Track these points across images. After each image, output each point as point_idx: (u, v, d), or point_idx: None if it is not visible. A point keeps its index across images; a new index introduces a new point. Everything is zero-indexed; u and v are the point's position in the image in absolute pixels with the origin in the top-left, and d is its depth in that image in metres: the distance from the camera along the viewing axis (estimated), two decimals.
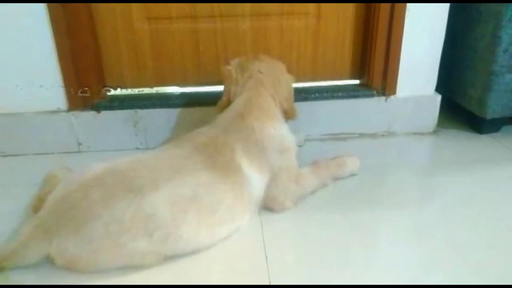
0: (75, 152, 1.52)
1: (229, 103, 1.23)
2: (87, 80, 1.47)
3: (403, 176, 1.36)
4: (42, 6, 1.33)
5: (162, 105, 1.51)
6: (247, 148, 1.09)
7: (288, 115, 1.28)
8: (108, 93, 1.55)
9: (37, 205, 1.06)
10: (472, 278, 0.91)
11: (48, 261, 0.91)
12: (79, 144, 1.52)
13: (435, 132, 1.66)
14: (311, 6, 1.53)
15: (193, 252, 0.98)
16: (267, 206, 1.15)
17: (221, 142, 1.08)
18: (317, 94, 1.56)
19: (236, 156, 1.07)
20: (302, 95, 1.55)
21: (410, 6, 1.46)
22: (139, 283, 0.90)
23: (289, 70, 1.56)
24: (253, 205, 1.11)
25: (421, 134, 1.65)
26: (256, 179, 1.09)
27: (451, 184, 1.29)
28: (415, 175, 1.39)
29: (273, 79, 1.25)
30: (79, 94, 1.45)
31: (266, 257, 0.98)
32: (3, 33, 1.36)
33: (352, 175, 1.33)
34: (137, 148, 1.54)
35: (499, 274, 0.93)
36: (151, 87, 1.58)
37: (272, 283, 0.90)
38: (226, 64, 1.32)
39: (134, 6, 1.46)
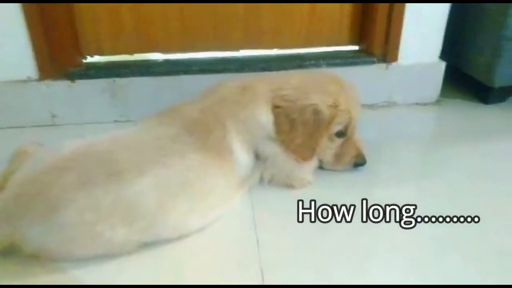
0: (48, 125, 1.42)
1: None
2: (60, 45, 1.35)
3: (405, 150, 1.29)
4: None
5: (143, 74, 1.41)
6: (237, 125, 1.02)
7: None
8: (84, 61, 1.44)
9: (1, 185, 0.95)
10: (493, 258, 0.86)
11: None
12: (53, 116, 1.42)
13: (438, 102, 1.59)
14: None
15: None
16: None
17: (212, 117, 1.01)
18: (312, 61, 1.47)
19: (227, 134, 1.00)
20: (296, 62, 1.47)
21: None
22: (113, 273, 0.83)
23: (282, 35, 1.45)
24: (243, 184, 1.06)
25: (424, 104, 1.58)
26: (244, 158, 1.03)
27: (458, 158, 1.23)
28: (418, 148, 1.33)
29: None
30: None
31: (258, 241, 0.91)
32: None
33: None
34: (116, 121, 1.45)
35: None
36: (131, 53, 1.46)
37: (264, 271, 0.83)
38: None
39: None
